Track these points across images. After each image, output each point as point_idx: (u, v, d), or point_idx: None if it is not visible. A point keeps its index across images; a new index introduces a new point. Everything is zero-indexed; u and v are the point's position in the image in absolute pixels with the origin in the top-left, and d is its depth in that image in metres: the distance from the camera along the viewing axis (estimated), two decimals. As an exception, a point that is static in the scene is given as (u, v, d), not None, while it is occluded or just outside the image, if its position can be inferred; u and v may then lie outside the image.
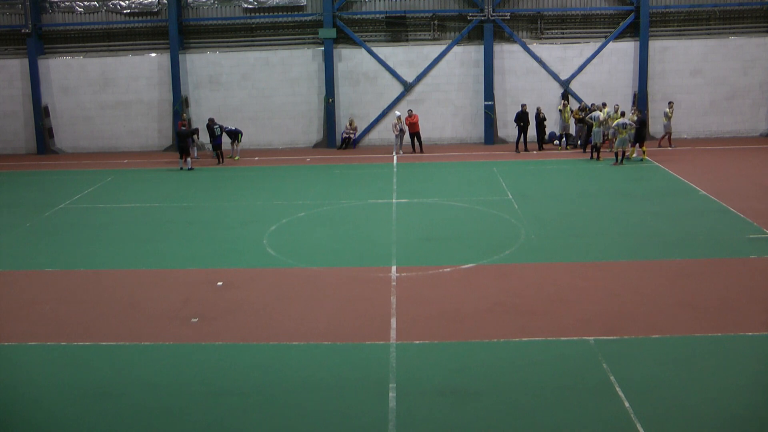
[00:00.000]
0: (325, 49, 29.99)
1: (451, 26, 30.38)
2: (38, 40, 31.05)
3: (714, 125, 30.33)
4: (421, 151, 28.53)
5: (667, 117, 28.16)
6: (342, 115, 30.70)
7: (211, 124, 27.86)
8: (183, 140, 26.79)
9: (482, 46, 29.88)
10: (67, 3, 31.05)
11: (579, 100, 29.80)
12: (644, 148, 25.90)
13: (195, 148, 28.73)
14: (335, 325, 12.87)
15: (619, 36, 29.92)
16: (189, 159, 26.92)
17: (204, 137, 29.46)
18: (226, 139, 28.31)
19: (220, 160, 27.76)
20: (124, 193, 23.72)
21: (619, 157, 25.32)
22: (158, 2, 30.63)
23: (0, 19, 31.28)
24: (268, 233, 18.54)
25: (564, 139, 28.81)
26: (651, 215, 19.11)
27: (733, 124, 30.30)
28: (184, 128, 27.09)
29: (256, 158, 28.84)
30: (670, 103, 28.41)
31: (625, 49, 29.92)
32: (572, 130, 28.91)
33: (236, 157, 28.43)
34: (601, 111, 26.74)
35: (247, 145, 30.33)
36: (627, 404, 9.94)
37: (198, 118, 30.56)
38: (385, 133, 30.53)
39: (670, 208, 19.83)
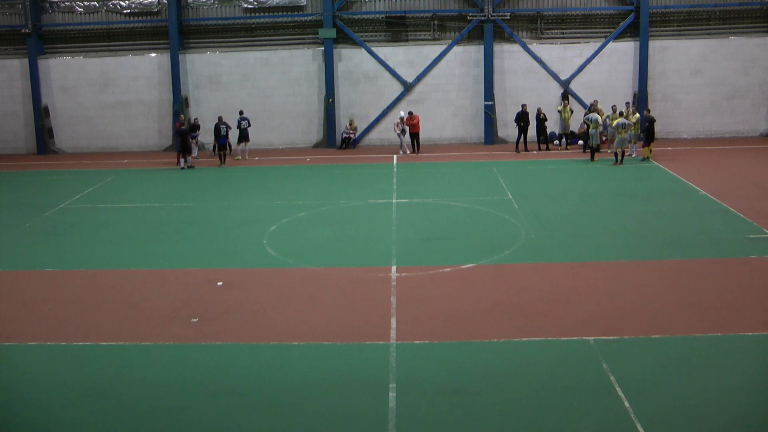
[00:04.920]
0: (325, 49, 29.99)
1: (451, 26, 30.38)
2: (38, 40, 31.06)
3: (714, 125, 30.33)
4: (418, 152, 28.55)
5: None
6: (342, 115, 30.70)
7: (218, 124, 27.53)
8: (185, 139, 26.85)
9: (482, 46, 29.88)
10: (67, 3, 31.05)
11: (579, 100, 29.82)
12: (650, 148, 25.82)
13: (196, 148, 28.73)
14: (335, 325, 12.86)
15: (619, 36, 29.92)
16: (189, 158, 26.98)
17: (205, 137, 29.43)
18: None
19: (222, 161, 27.62)
20: (124, 193, 23.72)
21: (619, 157, 25.32)
22: (158, 2, 30.64)
23: (0, 19, 31.29)
24: (268, 233, 18.54)
25: (564, 139, 28.82)
26: (651, 215, 19.11)
27: (733, 124, 30.30)
28: (183, 127, 27.08)
29: (256, 158, 28.83)
30: (627, 103, 27.59)
31: (625, 49, 29.91)
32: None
33: (246, 157, 28.50)
34: (600, 113, 26.75)
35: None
36: (627, 404, 9.93)
37: (198, 118, 30.50)
38: (385, 133, 30.53)
39: (670, 208, 19.83)
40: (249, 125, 28.60)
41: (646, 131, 25.66)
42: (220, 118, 27.84)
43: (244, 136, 28.56)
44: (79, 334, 12.82)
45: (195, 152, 28.50)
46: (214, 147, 28.26)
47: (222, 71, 30.79)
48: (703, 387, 10.42)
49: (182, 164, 26.90)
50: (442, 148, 29.75)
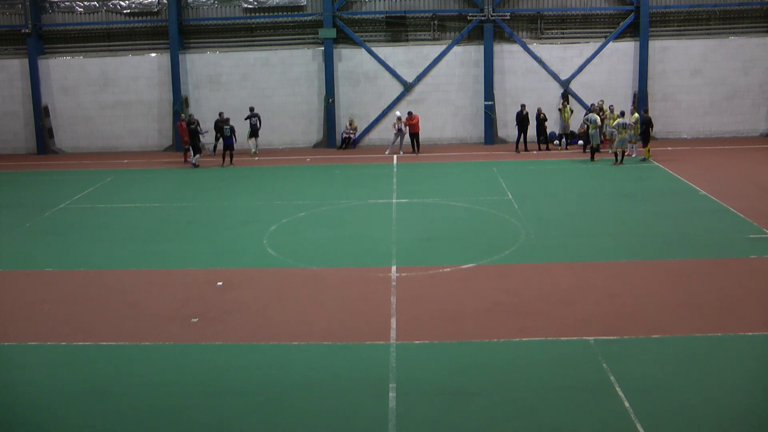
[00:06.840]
0: (325, 49, 29.99)
1: (451, 26, 30.37)
2: (38, 40, 31.06)
3: (714, 125, 30.33)
4: (418, 152, 28.56)
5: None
6: (342, 115, 30.70)
7: (222, 124, 27.21)
8: (194, 137, 26.91)
9: (482, 46, 29.88)
10: (67, 3, 31.05)
11: (579, 100, 29.83)
12: (648, 148, 25.82)
13: (203, 146, 28.73)
14: (335, 325, 12.86)
15: (619, 36, 29.92)
16: (197, 156, 27.03)
17: (204, 137, 29.42)
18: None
19: (229, 161, 27.30)
20: (124, 193, 23.72)
21: (619, 157, 25.31)
22: (158, 2, 30.64)
23: (0, 19, 31.29)
24: (268, 233, 18.54)
25: (564, 139, 28.82)
26: (651, 215, 19.11)
27: (733, 124, 30.31)
28: (192, 126, 27.07)
29: (256, 158, 28.85)
30: (595, 103, 27.91)
31: (625, 49, 29.91)
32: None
33: (256, 149, 29.01)
34: (598, 114, 26.71)
35: (247, 145, 30.32)
36: (627, 404, 9.93)
37: (198, 118, 30.47)
38: (385, 133, 30.53)
39: (670, 208, 19.83)
40: (260, 121, 29.03)
41: (642, 132, 25.66)
42: (221, 114, 27.74)
43: (254, 132, 28.92)
44: (79, 334, 12.81)
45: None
46: (215, 147, 28.26)
47: (222, 71, 30.80)
48: (703, 387, 10.41)
49: (194, 160, 26.95)
50: (442, 148, 29.75)
